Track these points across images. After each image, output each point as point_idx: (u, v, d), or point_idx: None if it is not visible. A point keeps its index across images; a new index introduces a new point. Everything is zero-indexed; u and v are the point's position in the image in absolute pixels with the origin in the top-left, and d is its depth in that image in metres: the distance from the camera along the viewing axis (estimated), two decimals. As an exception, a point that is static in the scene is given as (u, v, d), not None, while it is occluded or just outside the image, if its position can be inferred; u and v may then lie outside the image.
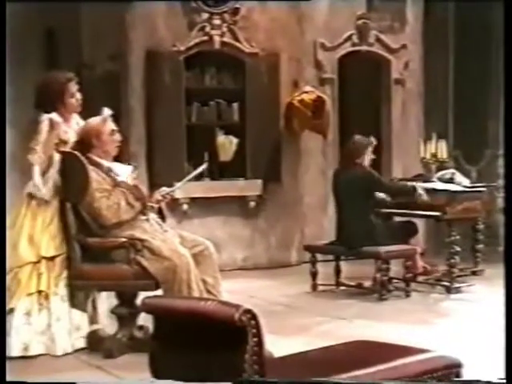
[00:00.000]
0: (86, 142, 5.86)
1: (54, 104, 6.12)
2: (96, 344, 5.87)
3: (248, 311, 3.30)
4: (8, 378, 4.18)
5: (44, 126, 6.07)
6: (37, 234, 5.95)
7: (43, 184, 5.97)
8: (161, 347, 3.63)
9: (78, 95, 6.25)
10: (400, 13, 10.50)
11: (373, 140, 8.12)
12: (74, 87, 6.24)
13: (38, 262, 5.89)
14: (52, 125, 6.07)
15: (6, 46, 5.12)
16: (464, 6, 10.80)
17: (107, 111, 5.92)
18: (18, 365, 5.54)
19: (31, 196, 6.03)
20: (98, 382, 5.14)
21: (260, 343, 3.31)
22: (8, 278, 5.85)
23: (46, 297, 5.86)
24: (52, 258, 5.88)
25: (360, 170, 7.94)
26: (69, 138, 6.12)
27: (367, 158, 8.01)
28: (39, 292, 5.86)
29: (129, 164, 6.17)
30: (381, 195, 8.06)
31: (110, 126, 5.92)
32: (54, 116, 6.10)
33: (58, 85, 6.19)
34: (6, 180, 5.98)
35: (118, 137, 5.96)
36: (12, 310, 5.82)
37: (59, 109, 6.14)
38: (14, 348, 5.76)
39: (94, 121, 5.92)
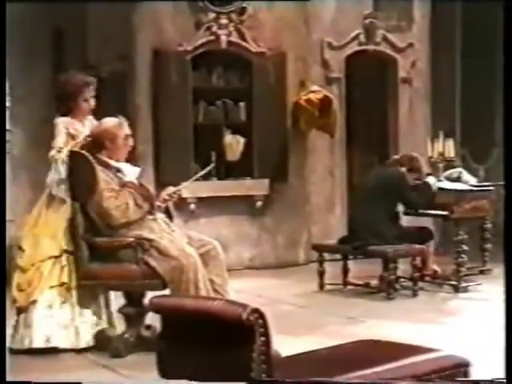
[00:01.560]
0: (98, 143, 5.87)
1: (67, 104, 6.16)
2: (103, 343, 5.88)
3: (255, 310, 3.31)
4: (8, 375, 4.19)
5: (61, 129, 6.13)
6: (59, 230, 6.01)
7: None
8: (168, 346, 3.63)
9: (92, 101, 6.25)
10: (407, 12, 10.49)
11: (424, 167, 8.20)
12: (89, 92, 6.24)
13: (60, 255, 5.98)
14: (73, 131, 6.12)
15: (5, 46, 5.13)
16: (471, 4, 10.78)
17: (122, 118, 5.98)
18: (23, 362, 5.56)
19: (52, 195, 6.08)
20: (105, 381, 5.16)
21: (267, 342, 3.31)
22: (30, 271, 5.95)
23: (68, 289, 5.93)
24: (73, 252, 5.92)
25: (396, 172, 7.96)
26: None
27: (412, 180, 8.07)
28: (61, 284, 5.94)
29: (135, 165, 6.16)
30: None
31: (125, 130, 5.92)
32: (77, 124, 6.15)
33: (74, 86, 6.22)
34: (15, 179, 6.02)
35: (131, 142, 5.96)
36: (34, 303, 5.90)
37: (73, 109, 6.19)
38: (36, 340, 5.85)
39: (110, 123, 5.91)
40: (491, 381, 3.44)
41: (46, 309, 5.91)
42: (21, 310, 5.93)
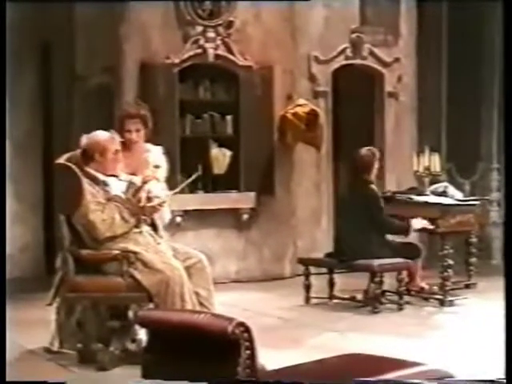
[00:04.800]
0: (88, 155, 5.87)
1: (118, 130, 6.33)
2: (88, 357, 5.86)
3: (241, 324, 3.31)
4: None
5: None
6: None
7: None
8: (154, 360, 3.62)
9: (134, 133, 6.35)
10: (393, 26, 10.54)
11: (377, 153, 8.15)
12: (129, 124, 6.34)
13: None
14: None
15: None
16: (457, 19, 10.85)
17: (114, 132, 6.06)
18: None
19: None
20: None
21: (253, 356, 3.31)
22: None
23: None
24: None
25: (370, 189, 7.95)
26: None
27: (374, 172, 8.05)
28: None
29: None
30: None
31: (116, 145, 5.93)
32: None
33: (117, 119, 6.45)
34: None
35: (120, 157, 5.96)
36: None
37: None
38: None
39: (103, 136, 5.92)
40: (492, 381, 3.46)
41: None
42: None
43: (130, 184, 5.97)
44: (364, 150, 8.12)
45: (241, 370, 3.28)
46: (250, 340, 3.31)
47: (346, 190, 8.24)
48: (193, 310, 5.45)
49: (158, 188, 6.16)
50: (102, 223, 5.70)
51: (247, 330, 3.31)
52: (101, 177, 5.86)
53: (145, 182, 6.00)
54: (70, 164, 5.83)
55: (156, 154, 6.47)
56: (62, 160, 5.95)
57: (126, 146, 6.29)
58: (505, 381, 3.45)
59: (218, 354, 3.35)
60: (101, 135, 5.93)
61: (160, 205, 6.05)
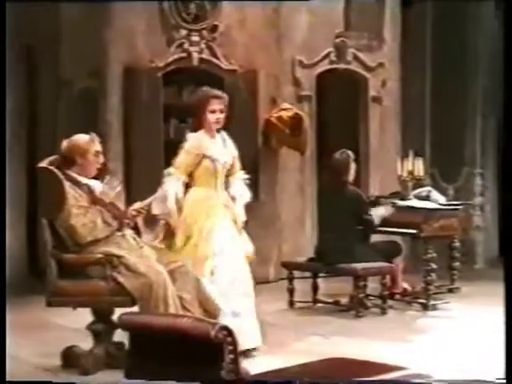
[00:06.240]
0: (68, 158, 5.86)
1: (196, 119, 6.37)
2: (72, 361, 5.84)
3: (224, 328, 3.31)
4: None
5: (188, 148, 6.40)
6: None
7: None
8: (137, 364, 3.62)
9: (219, 113, 6.31)
10: (378, 31, 10.56)
11: (351, 154, 8.18)
12: (215, 104, 6.30)
13: None
14: (202, 151, 6.34)
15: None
16: (442, 26, 10.89)
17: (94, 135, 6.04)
18: None
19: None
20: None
21: (236, 360, 3.31)
22: None
23: None
24: None
25: (350, 190, 7.99)
26: (212, 155, 6.33)
27: (352, 173, 8.08)
28: None
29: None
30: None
31: (96, 146, 5.93)
32: (207, 141, 6.36)
33: (199, 100, 6.38)
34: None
35: (101, 159, 5.96)
36: None
37: (201, 124, 6.32)
38: None
39: (82, 139, 5.91)
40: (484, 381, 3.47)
41: None
42: None
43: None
44: (339, 153, 8.16)
45: (224, 374, 3.28)
46: (234, 344, 3.31)
47: (327, 194, 8.25)
48: (176, 313, 5.44)
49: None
50: (82, 227, 5.68)
51: (230, 333, 3.31)
52: (83, 180, 5.85)
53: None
54: (51, 168, 5.81)
55: (231, 142, 6.62)
56: (44, 164, 5.93)
57: (211, 133, 6.37)
58: (498, 381, 3.47)
59: (201, 357, 3.34)
60: (80, 138, 5.93)
61: (143, 208, 6.05)
